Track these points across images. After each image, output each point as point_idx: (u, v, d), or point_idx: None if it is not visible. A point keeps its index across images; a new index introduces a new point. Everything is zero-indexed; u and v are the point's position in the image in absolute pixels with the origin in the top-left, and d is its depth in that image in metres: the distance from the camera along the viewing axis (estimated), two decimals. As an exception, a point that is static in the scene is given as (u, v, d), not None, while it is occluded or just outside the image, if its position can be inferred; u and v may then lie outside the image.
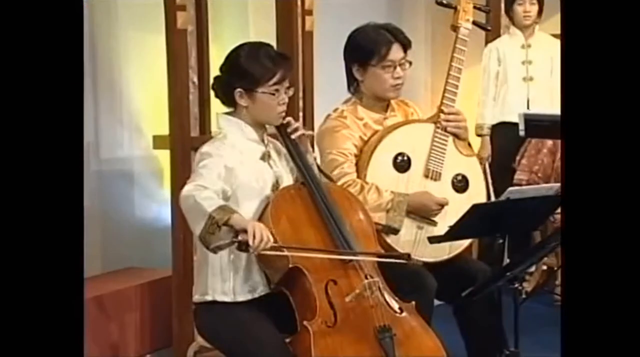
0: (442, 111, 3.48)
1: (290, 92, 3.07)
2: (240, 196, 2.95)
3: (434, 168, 3.44)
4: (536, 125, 4.39)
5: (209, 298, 3.00)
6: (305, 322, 2.84)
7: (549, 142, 4.92)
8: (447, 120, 3.47)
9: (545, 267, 5.26)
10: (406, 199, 3.34)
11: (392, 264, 3.06)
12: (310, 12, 4.27)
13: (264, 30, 4.54)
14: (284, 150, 3.14)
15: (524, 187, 4.41)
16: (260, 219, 2.94)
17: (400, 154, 3.42)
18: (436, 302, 3.31)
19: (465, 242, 3.49)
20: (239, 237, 2.70)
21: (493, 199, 4.17)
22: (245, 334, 2.90)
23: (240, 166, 2.97)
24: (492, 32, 5.19)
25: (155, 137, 4.23)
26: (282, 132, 3.10)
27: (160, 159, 4.56)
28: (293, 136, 3.09)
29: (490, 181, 5.02)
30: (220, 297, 2.98)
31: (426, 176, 3.43)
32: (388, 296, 2.98)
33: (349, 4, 5.21)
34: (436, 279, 3.26)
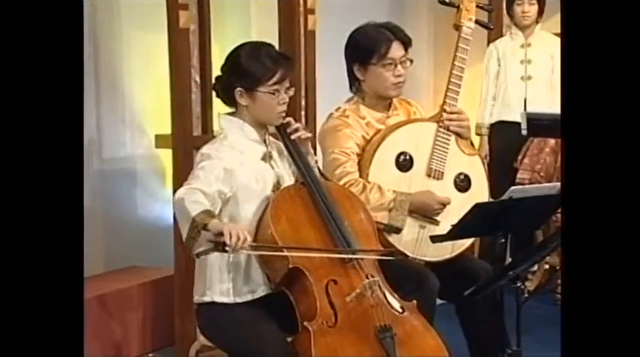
0: (444, 110, 3.47)
1: (291, 92, 3.06)
2: (241, 197, 2.94)
3: (436, 167, 3.43)
4: (538, 124, 4.38)
5: (207, 299, 2.99)
6: (305, 323, 2.83)
7: (552, 141, 4.92)
8: (450, 120, 3.47)
9: (547, 267, 5.25)
10: (408, 198, 3.34)
11: (394, 263, 3.06)
12: (312, 11, 4.26)
13: (266, 29, 4.54)
14: (285, 150, 3.13)
15: (526, 186, 4.41)
16: (260, 219, 2.94)
17: (402, 153, 3.42)
18: (438, 301, 3.30)
19: (468, 242, 3.49)
20: (216, 238, 2.68)
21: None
22: (247, 333, 2.89)
23: (240, 167, 2.96)
24: (494, 31, 5.20)
25: (157, 137, 4.24)
26: (282, 132, 3.09)
27: (163, 158, 4.56)
28: (293, 137, 3.08)
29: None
30: (219, 299, 2.97)
31: (429, 175, 3.43)
32: (389, 295, 2.98)
33: (351, 3, 5.21)
34: (438, 278, 3.25)
